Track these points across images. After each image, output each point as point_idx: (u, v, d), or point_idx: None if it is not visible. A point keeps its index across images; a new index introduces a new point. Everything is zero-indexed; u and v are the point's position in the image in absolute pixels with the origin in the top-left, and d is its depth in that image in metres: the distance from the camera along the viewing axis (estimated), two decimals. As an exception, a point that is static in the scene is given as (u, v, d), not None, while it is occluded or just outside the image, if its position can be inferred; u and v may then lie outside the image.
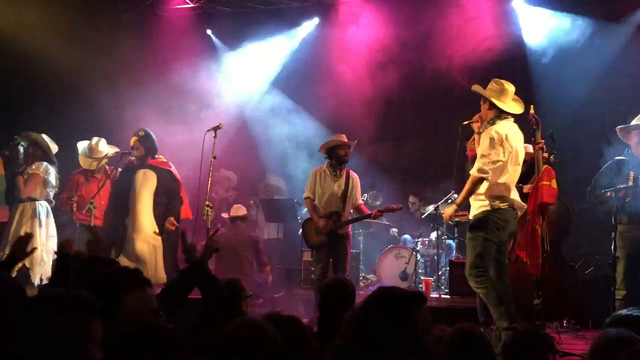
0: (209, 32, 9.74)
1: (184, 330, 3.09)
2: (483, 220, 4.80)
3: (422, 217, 8.27)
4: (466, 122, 5.13)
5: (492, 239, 4.76)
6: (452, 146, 5.33)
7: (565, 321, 5.88)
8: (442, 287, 7.78)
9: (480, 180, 4.73)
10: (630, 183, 5.20)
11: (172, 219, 6.11)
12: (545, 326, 4.75)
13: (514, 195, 4.85)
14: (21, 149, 6.71)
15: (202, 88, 8.74)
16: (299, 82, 9.25)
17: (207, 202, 5.93)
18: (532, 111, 4.99)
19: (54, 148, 6.65)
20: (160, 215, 6.18)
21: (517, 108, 4.92)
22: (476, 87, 4.94)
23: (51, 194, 6.61)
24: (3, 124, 7.94)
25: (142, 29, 9.27)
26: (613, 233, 5.14)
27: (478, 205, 4.87)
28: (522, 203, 4.88)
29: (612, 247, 5.12)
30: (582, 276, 6.61)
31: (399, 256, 8.10)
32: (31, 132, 6.66)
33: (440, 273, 8.00)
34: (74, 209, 6.50)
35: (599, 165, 5.67)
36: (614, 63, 7.90)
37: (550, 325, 5.39)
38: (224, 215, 7.91)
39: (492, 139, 4.69)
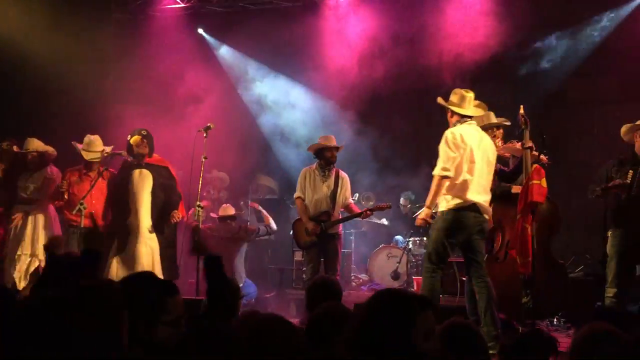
0: (200, 30, 9.72)
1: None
2: (442, 218, 4.95)
3: (414, 216, 8.28)
4: None
5: (450, 238, 4.91)
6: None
7: (555, 319, 5.91)
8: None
9: (442, 180, 4.89)
10: (628, 181, 5.23)
11: (176, 212, 6.07)
12: (536, 324, 4.78)
13: (477, 196, 4.91)
14: (12, 151, 6.71)
15: (192, 87, 8.72)
16: (290, 79, 9.26)
17: (198, 203, 5.91)
18: (521, 111, 5.07)
19: (53, 152, 6.67)
20: (158, 213, 6.16)
21: (477, 111, 5.15)
22: (440, 100, 5.18)
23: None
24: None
25: (133, 28, 9.23)
26: (607, 231, 5.17)
27: (443, 205, 5.00)
28: (487, 206, 4.96)
29: (607, 244, 5.14)
30: (573, 274, 6.65)
31: (391, 256, 8.11)
32: (30, 138, 6.68)
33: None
34: (63, 209, 6.41)
35: (590, 165, 5.73)
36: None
37: (541, 323, 5.41)
38: (213, 215, 7.89)
39: (446, 140, 4.93)
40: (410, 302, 2.08)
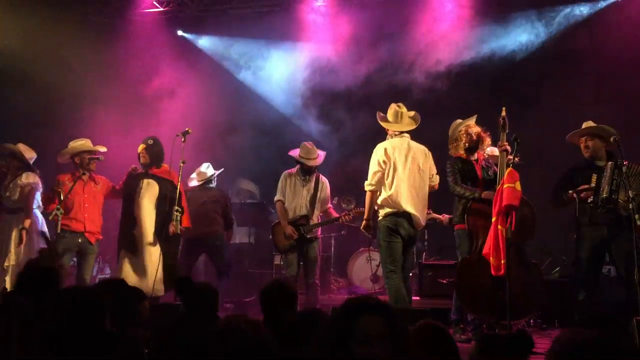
0: (179, 32, 9.70)
1: (160, 333, 3.10)
2: (381, 227, 5.40)
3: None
4: None
5: (393, 239, 5.34)
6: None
7: (531, 320, 5.99)
8: (412, 289, 7.85)
9: (371, 193, 5.40)
10: (593, 184, 5.31)
11: (172, 223, 5.99)
12: (512, 325, 4.84)
13: (408, 206, 5.35)
14: None
15: (171, 90, 8.70)
16: (270, 83, 9.28)
17: (176, 207, 5.88)
18: (503, 113, 5.21)
19: (33, 156, 6.54)
20: (161, 224, 6.11)
21: (406, 126, 5.57)
22: (378, 117, 5.64)
23: (40, 202, 6.52)
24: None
25: (110, 32, 9.17)
26: (575, 234, 5.24)
27: (380, 214, 5.45)
28: (418, 217, 5.39)
29: (575, 247, 5.22)
30: (549, 276, 6.74)
31: (370, 259, 8.14)
32: (6, 144, 6.54)
33: (410, 275, 8.07)
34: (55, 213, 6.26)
35: (565, 167, 5.78)
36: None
37: (517, 324, 5.47)
38: None
39: (373, 155, 5.45)
40: (347, 307, 2.06)
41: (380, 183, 5.39)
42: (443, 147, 5.83)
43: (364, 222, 5.50)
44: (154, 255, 6.04)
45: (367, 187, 5.43)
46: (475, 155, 5.58)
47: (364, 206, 5.57)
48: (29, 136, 7.34)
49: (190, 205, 6.44)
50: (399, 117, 5.56)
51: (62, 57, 8.27)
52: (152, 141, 6.29)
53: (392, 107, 5.61)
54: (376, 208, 5.48)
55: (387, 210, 5.36)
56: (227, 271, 6.90)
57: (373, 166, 5.41)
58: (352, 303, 2.06)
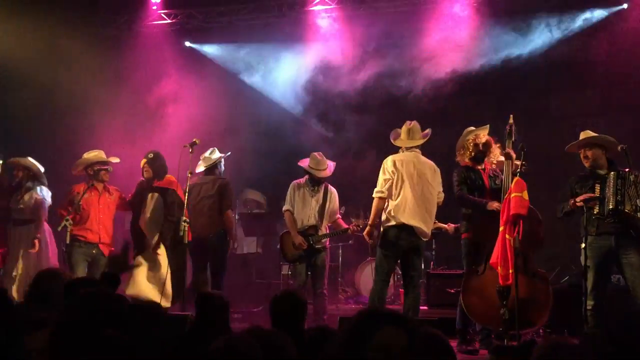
0: (187, 44, 9.78)
1: (168, 345, 3.11)
2: (382, 236, 5.60)
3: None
4: None
5: (389, 253, 5.57)
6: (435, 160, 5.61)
7: (540, 330, 5.96)
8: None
9: (380, 201, 5.55)
10: (597, 194, 5.29)
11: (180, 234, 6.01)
12: (520, 335, 4.82)
13: (411, 219, 5.49)
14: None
15: (178, 99, 8.76)
16: (277, 91, 9.35)
17: (184, 218, 5.91)
18: (510, 120, 5.25)
19: (41, 169, 6.62)
20: (166, 236, 6.17)
21: (417, 141, 5.73)
22: (392, 135, 5.81)
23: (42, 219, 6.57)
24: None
25: (119, 44, 9.26)
26: (582, 244, 5.22)
27: (384, 223, 5.60)
28: (423, 228, 5.53)
29: (582, 257, 5.20)
30: (558, 285, 6.71)
31: (378, 268, 8.12)
32: (17, 158, 6.63)
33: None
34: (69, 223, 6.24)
35: (574, 174, 5.76)
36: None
37: (525, 333, 5.45)
38: None
39: (382, 166, 5.64)
40: (367, 319, 2.02)
41: (389, 192, 5.54)
42: (450, 156, 5.85)
43: (368, 227, 5.66)
44: (162, 267, 6.08)
45: (376, 195, 5.59)
46: (483, 165, 5.58)
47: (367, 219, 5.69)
48: (39, 145, 7.44)
49: (189, 203, 6.22)
50: (410, 134, 5.74)
51: (71, 68, 8.36)
52: (152, 155, 6.36)
53: (405, 126, 5.79)
54: (382, 218, 5.61)
55: (391, 222, 5.53)
56: (221, 272, 6.42)
57: (383, 175, 5.59)
58: (373, 313, 2.03)
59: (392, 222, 5.51)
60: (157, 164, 6.35)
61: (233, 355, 2.10)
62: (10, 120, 8.31)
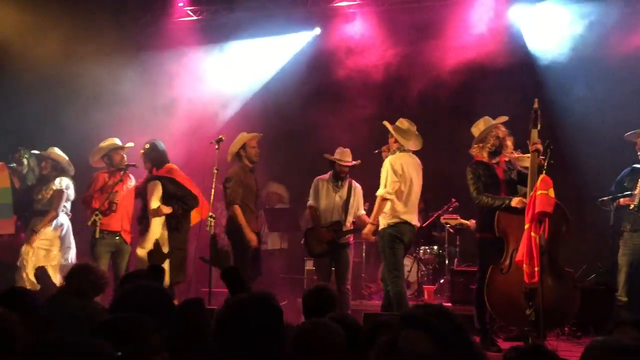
0: (212, 44, 9.85)
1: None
2: (385, 234, 5.78)
3: (424, 225, 8.33)
4: (377, 151, 6.22)
5: (398, 247, 5.78)
6: (452, 156, 5.53)
7: (566, 329, 5.90)
8: (444, 295, 7.82)
9: (385, 202, 5.74)
10: (637, 191, 5.20)
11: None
12: (545, 334, 4.79)
13: (411, 216, 5.86)
14: (25, 162, 6.82)
15: (204, 99, 8.83)
16: (301, 90, 9.35)
17: (210, 213, 5.99)
18: (535, 105, 5.04)
19: (65, 159, 6.74)
20: (171, 221, 6.24)
21: (416, 145, 5.98)
22: (386, 124, 5.92)
23: (68, 207, 6.70)
24: (4, 136, 8.03)
25: (145, 42, 9.37)
26: (618, 239, 5.14)
27: (383, 223, 5.81)
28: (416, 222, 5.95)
29: (619, 253, 5.11)
30: (584, 283, 6.63)
31: (401, 264, 8.12)
32: (51, 148, 6.76)
33: (442, 281, 8.04)
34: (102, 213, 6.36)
35: (600, 173, 5.71)
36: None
37: (551, 332, 5.42)
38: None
39: (392, 167, 5.76)
40: (392, 321, 2.01)
41: (396, 193, 5.76)
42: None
43: (370, 226, 5.90)
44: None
45: (386, 195, 5.74)
46: (497, 159, 5.47)
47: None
48: (63, 138, 7.56)
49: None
50: (408, 135, 5.93)
51: (95, 63, 8.46)
52: (148, 146, 6.46)
53: (404, 124, 5.93)
54: (380, 217, 5.82)
55: (394, 219, 5.76)
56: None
57: (391, 176, 5.76)
58: (398, 317, 1.97)
59: (397, 219, 5.75)
60: (153, 154, 6.44)
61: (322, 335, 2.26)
62: (34, 113, 8.45)
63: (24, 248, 6.46)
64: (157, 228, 6.21)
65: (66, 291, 3.49)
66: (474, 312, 5.44)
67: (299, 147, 9.21)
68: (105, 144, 6.62)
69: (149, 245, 6.01)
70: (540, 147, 4.96)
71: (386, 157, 6.01)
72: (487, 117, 5.58)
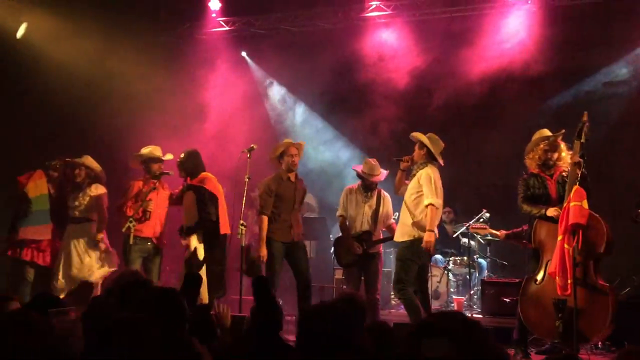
0: (243, 54, 9.98)
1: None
2: (410, 246, 5.75)
3: (454, 235, 8.28)
4: (395, 159, 6.15)
5: (416, 262, 5.79)
6: (482, 167, 5.50)
7: (599, 342, 5.80)
8: (474, 307, 7.75)
9: (437, 210, 5.75)
10: None
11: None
12: (578, 348, 4.72)
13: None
14: (60, 169, 6.99)
15: (236, 109, 8.94)
16: (333, 102, 9.41)
17: (241, 221, 6.04)
18: (584, 117, 5.04)
19: (98, 167, 6.89)
20: (205, 231, 6.28)
21: (441, 160, 5.96)
22: (420, 135, 5.92)
23: (106, 212, 6.83)
24: (38, 145, 8.25)
25: (180, 52, 9.54)
26: None
27: (407, 233, 5.81)
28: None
29: None
30: (618, 297, 6.50)
31: (431, 275, 8.06)
32: (78, 157, 6.89)
33: (472, 292, 7.97)
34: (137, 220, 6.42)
35: (636, 185, 5.61)
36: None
37: (585, 346, 5.33)
38: None
39: (434, 178, 5.77)
40: (416, 328, 2.00)
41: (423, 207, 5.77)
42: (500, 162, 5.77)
43: (432, 234, 5.68)
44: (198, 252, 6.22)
45: (436, 204, 5.73)
46: (552, 170, 5.41)
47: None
48: (95, 144, 7.72)
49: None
50: (439, 149, 5.93)
51: (128, 71, 8.63)
52: (183, 155, 6.50)
53: (435, 138, 5.92)
54: (410, 226, 5.81)
55: (422, 233, 5.74)
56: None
57: (438, 187, 5.79)
58: (419, 326, 2.00)
59: (422, 233, 5.73)
60: (188, 164, 6.47)
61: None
62: (68, 121, 8.64)
63: (61, 254, 6.65)
64: (194, 240, 6.29)
65: (111, 295, 3.55)
66: (516, 322, 5.37)
67: (325, 156, 9.27)
68: (145, 151, 6.71)
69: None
70: (579, 160, 4.95)
71: (405, 167, 6.03)
72: (543, 129, 5.54)
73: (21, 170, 7.06)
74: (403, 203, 5.96)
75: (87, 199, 6.75)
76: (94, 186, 6.79)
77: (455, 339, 1.92)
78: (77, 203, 6.76)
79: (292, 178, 6.35)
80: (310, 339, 2.36)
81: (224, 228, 6.33)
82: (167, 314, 2.48)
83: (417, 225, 5.78)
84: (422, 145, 5.92)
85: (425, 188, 5.75)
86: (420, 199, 5.80)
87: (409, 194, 5.88)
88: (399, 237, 5.92)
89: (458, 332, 1.92)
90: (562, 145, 5.39)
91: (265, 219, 6.21)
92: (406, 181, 6.10)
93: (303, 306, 5.92)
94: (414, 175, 5.92)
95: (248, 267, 3.82)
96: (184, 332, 2.70)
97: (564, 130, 5.46)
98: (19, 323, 2.35)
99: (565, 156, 5.35)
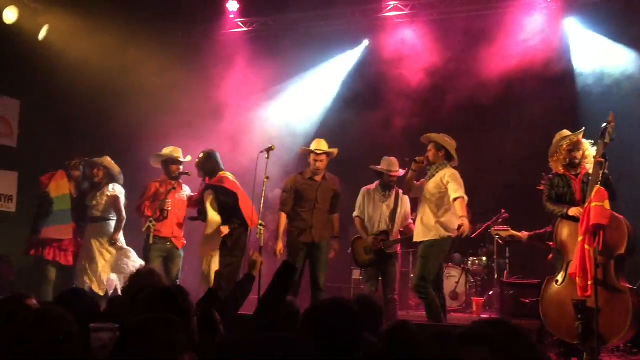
0: (260, 54, 10.00)
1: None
2: (434, 244, 5.72)
3: (473, 235, 8.23)
4: (411, 159, 6.03)
5: (439, 261, 5.86)
6: (500, 167, 5.49)
7: (621, 344, 5.73)
8: (493, 307, 7.70)
9: (465, 202, 5.69)
10: None
11: (223, 227, 6.25)
12: (600, 350, 4.67)
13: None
14: (80, 169, 7.08)
15: (254, 110, 8.97)
16: (349, 101, 9.40)
17: (260, 222, 6.06)
18: (610, 117, 4.96)
19: (117, 168, 6.96)
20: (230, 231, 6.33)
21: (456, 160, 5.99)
22: (437, 137, 5.92)
23: (123, 213, 6.90)
24: (60, 145, 8.34)
25: (197, 53, 9.59)
26: None
27: (431, 232, 5.75)
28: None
29: None
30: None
31: (449, 275, 8.05)
32: (96, 158, 6.98)
33: (491, 293, 7.93)
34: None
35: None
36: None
37: (606, 348, 5.26)
38: None
39: (458, 176, 5.77)
40: (459, 335, 1.99)
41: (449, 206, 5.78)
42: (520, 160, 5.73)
43: (466, 219, 5.58)
44: (214, 261, 6.27)
45: (465, 197, 5.70)
46: (578, 170, 5.35)
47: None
48: (113, 144, 7.79)
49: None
50: (453, 149, 5.93)
51: (144, 72, 8.70)
52: (202, 155, 6.55)
53: (450, 139, 5.93)
54: (440, 224, 5.74)
55: (447, 232, 5.73)
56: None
57: (461, 182, 5.78)
58: (458, 335, 1.98)
59: (448, 233, 5.73)
60: (207, 165, 6.52)
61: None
62: (85, 121, 8.74)
63: (82, 254, 6.74)
64: (225, 229, 6.32)
65: (130, 293, 3.58)
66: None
67: (343, 156, 9.25)
68: (166, 151, 6.76)
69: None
70: (601, 160, 4.88)
71: (419, 168, 5.99)
72: (563, 130, 5.50)
73: (47, 170, 7.16)
74: (423, 204, 5.90)
75: (105, 198, 6.83)
76: (111, 186, 6.87)
77: (496, 349, 1.89)
78: (95, 202, 6.85)
79: (318, 178, 6.32)
80: (315, 332, 2.35)
81: (252, 222, 6.33)
82: (172, 313, 2.50)
83: (441, 224, 5.74)
84: (440, 146, 5.91)
85: (453, 184, 5.70)
86: (443, 199, 5.77)
87: (431, 194, 5.83)
88: (420, 236, 5.85)
89: (500, 342, 1.89)
90: (585, 144, 5.34)
91: (282, 215, 6.25)
92: (415, 182, 6.07)
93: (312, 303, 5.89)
94: (433, 176, 5.89)
95: (249, 267, 3.91)
96: (189, 329, 2.71)
97: (583, 129, 5.40)
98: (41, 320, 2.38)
99: (589, 154, 5.29)
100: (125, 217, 6.84)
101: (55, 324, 2.35)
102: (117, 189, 6.88)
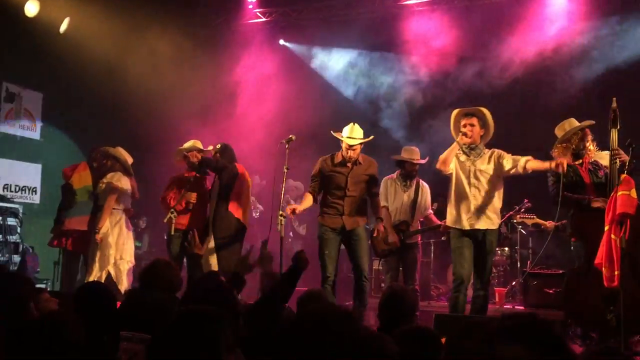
0: (281, 42, 9.99)
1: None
2: (498, 236, 5.53)
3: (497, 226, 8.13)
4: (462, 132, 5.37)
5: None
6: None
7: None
8: (516, 298, 7.63)
9: None
10: None
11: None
12: (628, 341, 4.59)
13: None
14: (98, 160, 7.12)
15: (275, 99, 8.95)
16: (369, 89, 9.36)
17: (280, 212, 6.02)
18: (613, 104, 4.78)
19: (129, 160, 6.97)
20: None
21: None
22: (489, 115, 5.41)
23: (128, 203, 6.90)
24: (83, 137, 8.43)
25: (217, 43, 9.60)
26: None
27: (496, 220, 5.37)
28: None
29: None
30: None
31: (472, 266, 7.96)
32: (108, 147, 6.97)
33: (514, 283, 7.85)
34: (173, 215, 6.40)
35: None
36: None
37: (632, 339, 5.18)
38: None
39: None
40: (491, 332, 1.99)
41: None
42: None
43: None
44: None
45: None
46: (581, 160, 5.28)
47: None
48: (131, 136, 7.83)
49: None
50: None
51: (163, 64, 8.74)
52: (219, 146, 6.51)
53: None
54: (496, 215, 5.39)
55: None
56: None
57: None
58: (494, 330, 1.96)
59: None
60: (225, 155, 6.47)
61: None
62: (107, 112, 8.80)
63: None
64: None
65: (145, 285, 3.59)
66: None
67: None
68: (186, 145, 6.73)
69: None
70: (622, 154, 4.80)
71: (467, 142, 5.37)
72: (572, 118, 5.39)
73: (70, 162, 7.23)
74: (486, 187, 5.33)
75: (103, 187, 6.77)
76: (109, 175, 6.76)
77: (529, 347, 1.89)
78: (97, 191, 6.82)
79: (349, 162, 5.80)
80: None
81: (245, 220, 6.35)
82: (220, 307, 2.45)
83: (496, 212, 5.37)
84: (486, 125, 5.42)
85: (510, 158, 5.31)
86: (500, 182, 5.39)
87: (489, 176, 5.31)
88: (488, 224, 5.31)
89: (532, 339, 1.89)
90: (590, 135, 5.28)
91: (307, 195, 5.96)
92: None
93: (357, 298, 5.72)
94: (480, 155, 5.37)
95: (260, 258, 3.85)
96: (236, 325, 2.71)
97: (593, 122, 5.29)
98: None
99: (591, 145, 5.24)
100: (116, 207, 6.68)
101: (55, 334, 2.33)
102: (115, 178, 6.74)
